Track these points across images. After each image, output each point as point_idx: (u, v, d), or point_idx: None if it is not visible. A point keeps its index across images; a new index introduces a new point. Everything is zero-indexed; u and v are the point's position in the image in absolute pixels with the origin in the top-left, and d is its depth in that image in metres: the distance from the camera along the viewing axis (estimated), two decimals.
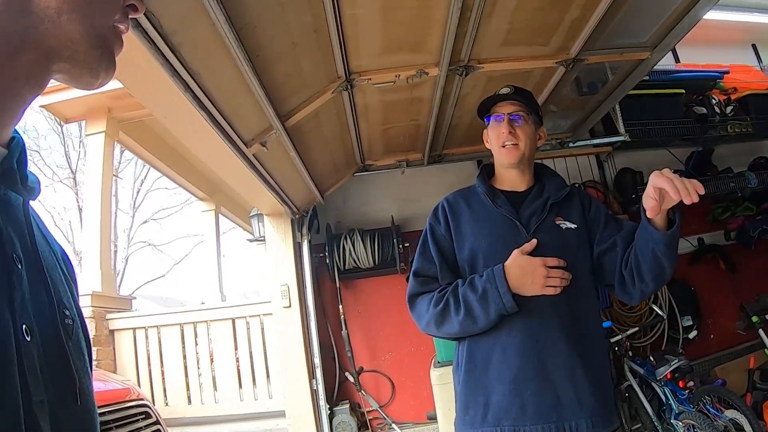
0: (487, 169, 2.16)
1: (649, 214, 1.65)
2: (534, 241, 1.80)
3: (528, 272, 1.77)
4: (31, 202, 0.69)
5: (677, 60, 5.67)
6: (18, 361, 0.55)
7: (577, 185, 4.26)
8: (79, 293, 0.80)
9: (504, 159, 2.02)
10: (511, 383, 1.81)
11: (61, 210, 15.04)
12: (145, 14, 1.64)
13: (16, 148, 0.65)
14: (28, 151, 0.68)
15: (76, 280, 0.79)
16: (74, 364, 0.66)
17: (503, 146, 2.00)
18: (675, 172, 4.42)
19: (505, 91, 2.07)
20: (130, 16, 0.73)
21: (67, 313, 0.68)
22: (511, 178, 2.08)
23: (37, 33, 0.62)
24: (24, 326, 0.57)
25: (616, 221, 1.99)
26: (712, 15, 2.79)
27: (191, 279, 16.17)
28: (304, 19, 2.26)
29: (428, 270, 1.99)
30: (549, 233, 1.92)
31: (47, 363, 0.61)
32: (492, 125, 2.06)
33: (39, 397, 0.57)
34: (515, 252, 1.82)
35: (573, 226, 1.96)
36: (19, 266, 0.60)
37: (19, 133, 0.67)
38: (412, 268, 2.03)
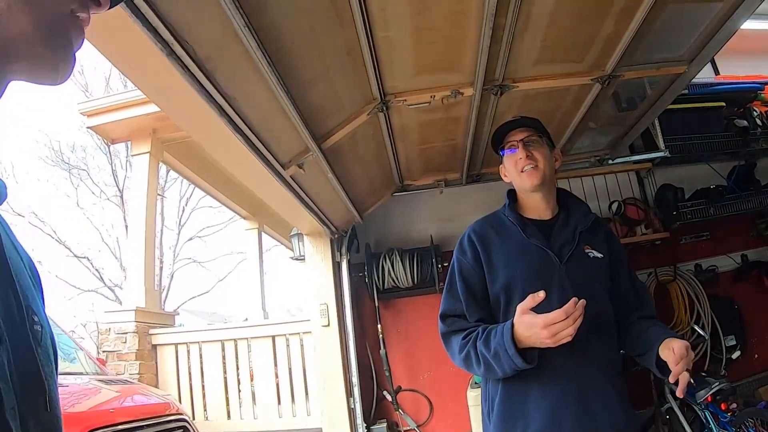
0: (511, 196, 2.15)
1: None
2: (542, 293, 1.67)
3: (533, 333, 1.69)
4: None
5: (717, 72, 5.52)
6: None
7: (617, 202, 4.21)
8: (45, 302, 0.76)
9: (526, 183, 2.01)
10: (550, 412, 1.81)
11: (109, 227, 15.56)
12: (178, 41, 1.68)
13: None
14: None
15: (42, 288, 0.76)
16: (43, 371, 0.64)
17: (522, 171, 2.00)
18: (717, 187, 4.30)
19: (510, 119, 2.10)
20: (91, 11, 0.67)
21: (36, 319, 0.66)
22: (535, 204, 2.07)
23: None
24: None
25: (629, 273, 2.09)
26: (750, 24, 2.72)
27: (235, 295, 16.47)
28: (336, 43, 2.29)
29: (454, 310, 2.01)
30: (580, 262, 1.94)
31: (17, 370, 0.59)
32: (507, 156, 2.08)
33: (11, 403, 0.56)
34: (518, 310, 1.73)
35: (600, 255, 1.98)
36: None
37: None
38: (440, 311, 2.05)
